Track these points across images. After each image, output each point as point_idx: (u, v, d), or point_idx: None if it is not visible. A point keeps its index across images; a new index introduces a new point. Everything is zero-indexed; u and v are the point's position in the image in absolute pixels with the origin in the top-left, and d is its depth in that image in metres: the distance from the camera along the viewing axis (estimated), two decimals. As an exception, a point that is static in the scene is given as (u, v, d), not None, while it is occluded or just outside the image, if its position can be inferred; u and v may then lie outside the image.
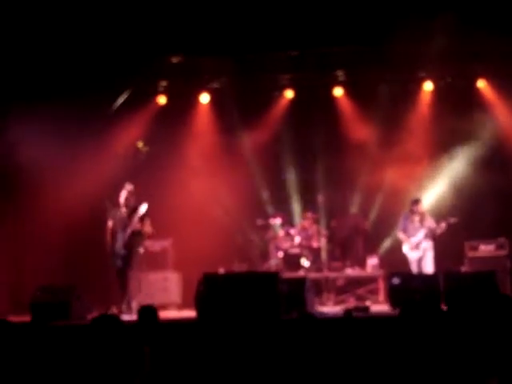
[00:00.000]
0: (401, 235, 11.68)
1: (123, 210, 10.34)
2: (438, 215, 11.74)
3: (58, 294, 9.57)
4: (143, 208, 10.25)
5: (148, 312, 6.57)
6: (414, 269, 11.52)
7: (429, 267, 11.39)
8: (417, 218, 11.55)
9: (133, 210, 10.30)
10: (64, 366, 6.94)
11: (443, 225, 11.37)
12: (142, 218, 10.30)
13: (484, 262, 11.40)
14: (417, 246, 11.50)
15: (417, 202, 11.56)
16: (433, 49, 11.82)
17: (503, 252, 11.66)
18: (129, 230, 10.21)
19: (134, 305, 9.99)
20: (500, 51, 11.44)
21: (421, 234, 11.47)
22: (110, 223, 10.38)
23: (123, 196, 10.35)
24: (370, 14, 11.08)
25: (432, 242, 11.51)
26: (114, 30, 11.18)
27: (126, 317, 9.47)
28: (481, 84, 12.65)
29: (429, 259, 11.47)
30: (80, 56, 11.66)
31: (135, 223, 10.23)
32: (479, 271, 10.76)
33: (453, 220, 11.36)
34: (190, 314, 9.46)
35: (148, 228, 10.40)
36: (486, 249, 11.76)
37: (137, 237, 10.33)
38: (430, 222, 11.49)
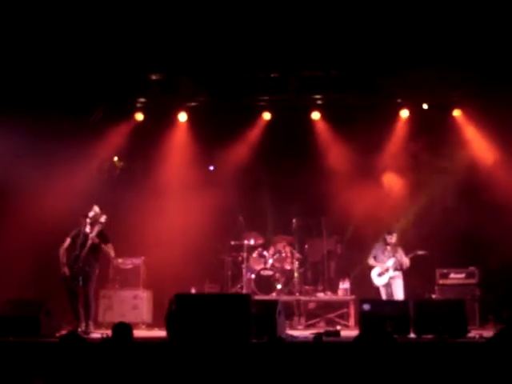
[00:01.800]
0: (371, 261, 11.78)
1: (87, 229, 10.20)
2: (408, 245, 11.81)
3: (27, 309, 9.40)
4: (102, 219, 10.14)
5: (123, 329, 6.51)
6: (383, 295, 11.59)
7: (399, 295, 11.46)
8: (389, 248, 11.67)
9: (93, 227, 10.19)
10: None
11: (409, 258, 11.49)
12: (102, 236, 10.19)
13: (454, 290, 11.55)
14: (384, 273, 11.58)
15: (391, 232, 11.68)
16: (410, 77, 12.02)
17: (473, 281, 11.79)
18: (88, 244, 10.08)
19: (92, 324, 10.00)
20: (475, 82, 11.61)
21: (390, 262, 11.56)
22: (66, 242, 10.23)
23: (90, 215, 10.24)
24: (350, 41, 11.20)
25: (400, 272, 11.59)
26: (93, 46, 11.15)
27: (95, 335, 9.39)
28: (456, 113, 12.81)
29: (399, 287, 11.55)
30: (57, 70, 11.59)
31: (94, 236, 10.11)
32: (448, 299, 10.92)
33: (421, 252, 11.49)
34: (160, 333, 9.38)
35: (110, 251, 10.32)
36: (456, 277, 11.88)
37: (93, 255, 10.20)
38: (400, 255, 11.61)
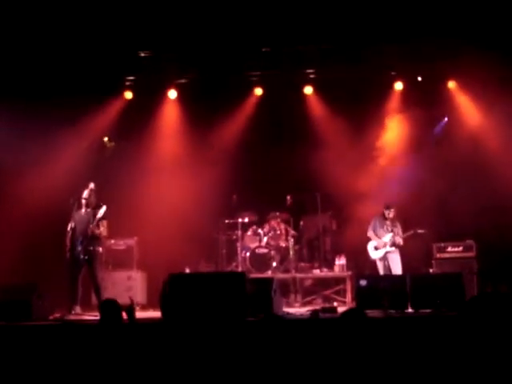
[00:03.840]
0: (370, 233, 11.67)
1: (83, 210, 10.08)
2: (407, 220, 11.69)
3: (19, 293, 9.22)
4: (102, 211, 10.01)
5: (110, 306, 6.40)
6: (380, 269, 11.50)
7: (396, 269, 11.36)
8: (388, 223, 11.54)
9: (93, 212, 10.06)
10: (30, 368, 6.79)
11: (407, 236, 11.39)
12: (99, 221, 10.07)
13: (452, 264, 11.48)
14: (380, 247, 11.47)
15: (388, 207, 11.53)
16: (403, 49, 11.87)
17: (470, 254, 11.73)
18: (88, 233, 9.96)
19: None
20: (471, 53, 11.43)
21: (387, 237, 11.45)
22: (70, 226, 10.07)
23: (85, 195, 10.10)
24: (341, 13, 11.04)
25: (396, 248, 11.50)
26: (81, 25, 10.98)
27: (87, 317, 9.30)
28: (451, 85, 12.63)
29: (396, 261, 11.45)
30: (46, 48, 11.42)
31: (93, 227, 9.99)
32: (446, 272, 10.85)
33: (420, 231, 11.42)
34: (155, 314, 9.28)
35: (104, 231, 10.19)
36: (453, 250, 11.81)
37: (94, 237, 10.08)
38: (397, 230, 11.50)
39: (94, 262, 10.00)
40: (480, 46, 11.16)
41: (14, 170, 11.50)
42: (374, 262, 11.66)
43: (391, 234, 11.45)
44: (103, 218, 10.11)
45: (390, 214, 11.53)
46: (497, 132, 12.07)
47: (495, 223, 11.78)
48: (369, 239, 11.67)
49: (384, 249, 11.46)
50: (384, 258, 11.48)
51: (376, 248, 11.55)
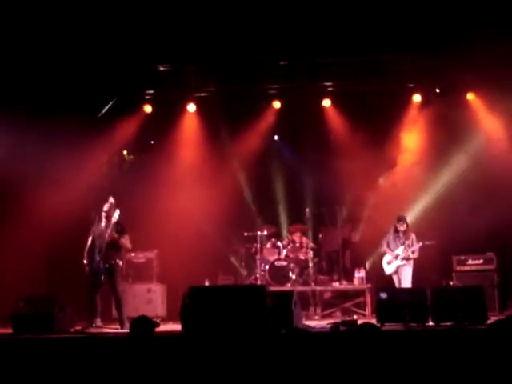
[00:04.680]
0: (384, 247, 11.64)
1: (103, 224, 10.10)
2: (422, 230, 11.63)
3: (41, 305, 9.27)
4: (116, 215, 10.00)
5: (143, 324, 6.39)
6: (395, 283, 11.44)
7: (406, 282, 11.27)
8: (401, 235, 11.49)
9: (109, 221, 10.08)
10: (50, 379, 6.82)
11: (418, 246, 11.30)
12: (117, 229, 10.07)
13: (472, 277, 11.41)
14: (392, 261, 11.42)
15: (400, 219, 11.47)
16: (421, 61, 11.87)
17: (491, 266, 11.66)
18: (107, 240, 9.97)
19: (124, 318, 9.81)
20: (490, 65, 11.41)
21: (399, 250, 11.38)
22: (89, 240, 10.05)
23: (105, 209, 10.12)
24: (358, 26, 11.07)
25: (410, 260, 11.43)
26: (101, 39, 11.09)
27: (108, 329, 9.32)
28: (470, 97, 12.60)
29: (406, 275, 11.32)
30: (66, 63, 11.53)
31: (111, 232, 9.98)
32: (467, 286, 10.78)
33: (428, 242, 11.30)
34: (175, 327, 9.30)
35: (128, 244, 10.17)
36: (474, 263, 11.74)
37: (114, 249, 10.03)
38: (411, 242, 11.39)
39: (115, 275, 9.98)
40: (499, 58, 11.16)
41: (36, 183, 11.58)
42: (389, 275, 11.61)
43: (402, 248, 11.39)
44: (123, 230, 10.10)
45: (402, 226, 11.44)
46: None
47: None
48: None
49: (395, 262, 11.39)
50: (396, 273, 11.42)
51: (389, 262, 11.50)
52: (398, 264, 11.36)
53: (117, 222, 9.99)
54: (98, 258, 9.86)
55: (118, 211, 10.00)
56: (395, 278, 11.46)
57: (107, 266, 9.88)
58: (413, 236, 11.44)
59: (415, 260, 11.34)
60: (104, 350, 7.30)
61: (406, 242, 11.37)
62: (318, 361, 5.55)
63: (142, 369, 5.92)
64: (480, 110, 12.53)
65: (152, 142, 13.21)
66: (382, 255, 11.74)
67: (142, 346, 6.07)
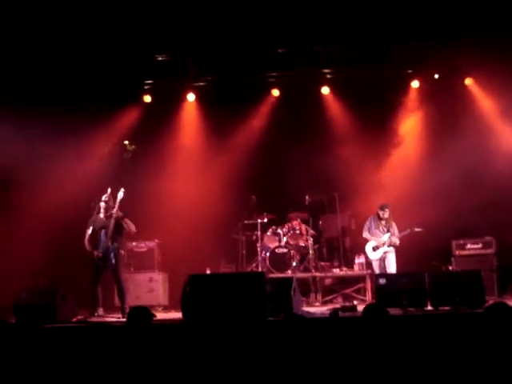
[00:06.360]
0: (366, 234, 11.77)
1: (103, 214, 10.16)
2: (422, 215, 11.67)
3: (43, 296, 9.36)
4: (120, 193, 10.05)
5: (141, 313, 6.47)
6: (376, 269, 11.57)
7: (392, 269, 11.44)
8: (383, 223, 11.62)
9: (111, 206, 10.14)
10: (53, 369, 6.89)
11: (405, 234, 11.41)
12: (121, 208, 10.12)
13: (471, 261, 11.48)
14: (379, 247, 11.56)
15: (383, 207, 11.58)
16: (419, 46, 11.86)
17: (490, 250, 11.70)
18: (112, 223, 10.03)
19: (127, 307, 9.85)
20: (488, 50, 11.41)
21: (385, 236, 11.52)
22: (89, 231, 10.13)
23: (105, 199, 10.18)
24: (356, 13, 11.07)
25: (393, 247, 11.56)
26: (100, 30, 11.10)
27: (110, 318, 9.40)
28: (469, 82, 12.60)
29: (392, 261, 11.52)
30: (65, 54, 11.57)
31: (116, 210, 10.02)
32: (465, 270, 10.84)
33: (417, 229, 11.39)
34: (177, 315, 9.38)
35: (132, 225, 10.21)
36: (472, 247, 11.79)
37: (117, 234, 10.15)
38: (394, 230, 11.56)
39: (117, 265, 10.08)
40: (497, 43, 11.16)
41: (37, 174, 11.65)
42: (370, 262, 11.78)
43: (388, 234, 11.50)
44: (124, 215, 10.15)
45: (385, 214, 11.58)
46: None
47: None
48: (365, 240, 11.71)
49: (382, 248, 11.52)
50: (381, 259, 11.54)
51: (374, 248, 11.61)
52: (386, 250, 11.51)
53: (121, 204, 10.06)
54: (99, 248, 9.95)
55: (122, 189, 10.07)
56: (377, 264, 11.61)
57: (113, 250, 9.96)
58: (394, 225, 11.58)
59: (415, 245, 11.45)
60: (106, 339, 7.37)
61: (391, 230, 11.51)
62: (316, 346, 5.62)
63: (142, 357, 6.00)
64: (478, 95, 12.54)
65: (152, 131, 13.25)
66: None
67: (139, 335, 6.15)
